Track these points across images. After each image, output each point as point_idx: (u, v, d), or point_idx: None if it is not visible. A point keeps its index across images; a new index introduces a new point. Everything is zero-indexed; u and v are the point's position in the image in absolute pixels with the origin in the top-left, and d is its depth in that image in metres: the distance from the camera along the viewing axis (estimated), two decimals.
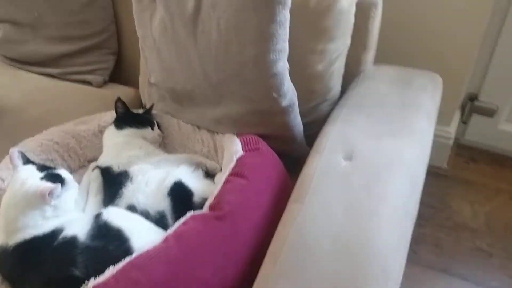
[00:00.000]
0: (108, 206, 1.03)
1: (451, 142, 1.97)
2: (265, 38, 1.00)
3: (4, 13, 1.63)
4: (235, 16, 1.02)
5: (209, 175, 1.16)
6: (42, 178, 0.94)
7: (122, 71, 1.73)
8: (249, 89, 1.09)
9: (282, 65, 1.05)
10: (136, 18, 1.26)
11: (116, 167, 1.13)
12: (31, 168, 0.97)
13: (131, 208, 1.02)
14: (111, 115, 1.28)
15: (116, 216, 0.95)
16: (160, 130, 1.27)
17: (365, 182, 0.92)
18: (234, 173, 1.00)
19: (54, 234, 0.90)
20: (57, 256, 0.86)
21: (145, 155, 1.16)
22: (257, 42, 1.02)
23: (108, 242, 0.88)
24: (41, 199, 0.90)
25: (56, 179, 0.95)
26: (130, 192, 1.06)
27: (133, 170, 1.11)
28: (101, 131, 1.26)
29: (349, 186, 0.91)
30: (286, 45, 1.04)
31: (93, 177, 1.14)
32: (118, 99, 1.22)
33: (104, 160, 1.17)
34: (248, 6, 1.00)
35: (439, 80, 1.36)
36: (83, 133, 1.27)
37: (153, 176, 1.09)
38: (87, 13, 1.61)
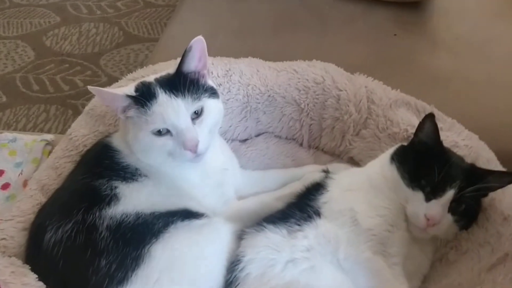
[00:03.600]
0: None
1: None
2: None
3: None
4: None
5: None
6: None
7: None
8: None
9: None
10: None
11: (335, 202, 0.73)
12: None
13: None
14: None
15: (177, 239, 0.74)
16: (466, 225, 0.72)
17: None
18: None
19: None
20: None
21: (379, 225, 0.69)
22: None
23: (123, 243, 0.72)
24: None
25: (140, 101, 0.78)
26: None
27: (325, 220, 0.71)
28: None
29: None
30: None
31: (307, 177, 0.82)
32: (431, 115, 0.71)
33: (340, 173, 0.80)
34: None
35: None
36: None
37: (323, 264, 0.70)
38: None
